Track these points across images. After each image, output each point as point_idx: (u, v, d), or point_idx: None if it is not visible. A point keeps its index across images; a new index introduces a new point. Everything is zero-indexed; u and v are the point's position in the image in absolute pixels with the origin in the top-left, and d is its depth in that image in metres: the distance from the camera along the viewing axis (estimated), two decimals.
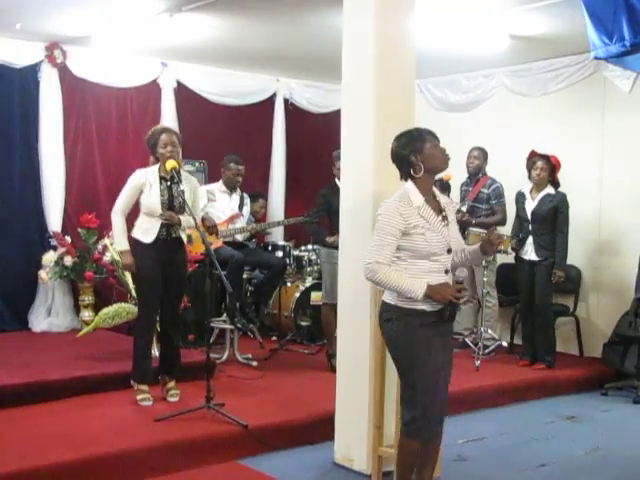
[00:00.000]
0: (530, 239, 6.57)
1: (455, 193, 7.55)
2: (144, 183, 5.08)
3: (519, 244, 6.62)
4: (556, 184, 6.55)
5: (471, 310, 7.42)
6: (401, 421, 3.60)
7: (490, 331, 7.06)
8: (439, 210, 3.50)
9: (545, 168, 6.48)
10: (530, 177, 6.60)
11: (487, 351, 6.84)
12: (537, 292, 6.56)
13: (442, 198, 3.60)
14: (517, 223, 6.81)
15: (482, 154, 7.24)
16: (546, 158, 6.49)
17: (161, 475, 4.21)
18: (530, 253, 6.56)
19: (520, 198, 6.69)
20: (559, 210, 6.47)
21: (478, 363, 6.45)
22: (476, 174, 7.24)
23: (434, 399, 3.46)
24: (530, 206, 6.58)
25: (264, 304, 7.33)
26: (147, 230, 5.08)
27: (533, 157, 6.57)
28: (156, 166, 5.17)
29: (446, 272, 3.45)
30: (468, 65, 7.77)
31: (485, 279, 6.85)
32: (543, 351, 6.58)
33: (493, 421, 5.57)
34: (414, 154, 3.48)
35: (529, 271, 6.59)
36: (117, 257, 6.28)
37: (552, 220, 6.50)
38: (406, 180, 3.54)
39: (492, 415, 5.72)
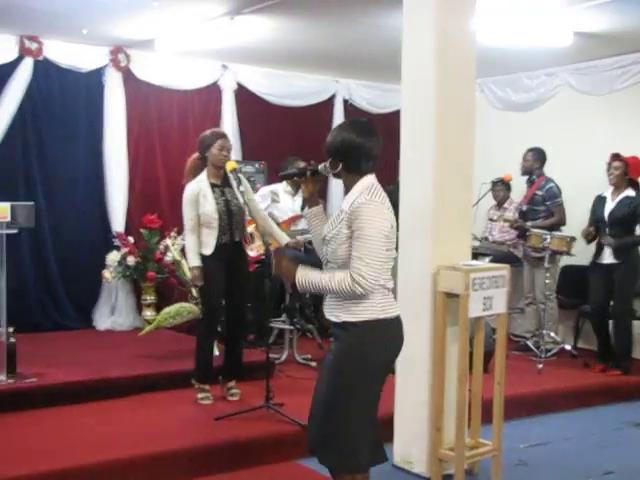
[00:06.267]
0: None
1: (517, 193, 7.47)
2: (198, 194, 5.02)
3: (597, 251, 6.41)
4: (636, 185, 6.34)
5: (533, 313, 7.30)
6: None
7: (552, 334, 6.93)
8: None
9: (619, 167, 6.29)
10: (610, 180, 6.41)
11: (549, 354, 6.71)
12: (616, 296, 6.34)
13: (345, 203, 3.13)
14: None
15: (534, 155, 7.12)
16: (620, 157, 6.30)
17: (220, 473, 4.24)
18: (608, 257, 6.34)
19: (600, 201, 6.47)
20: (638, 212, 6.24)
21: (540, 366, 6.34)
22: (528, 175, 7.15)
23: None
24: (608, 208, 6.37)
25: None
26: (205, 243, 5.05)
27: (611, 160, 6.38)
28: (203, 174, 5.10)
29: None
30: (530, 64, 7.63)
31: (547, 281, 6.71)
32: (619, 356, 6.38)
33: (556, 426, 5.45)
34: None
35: (606, 275, 6.36)
36: (178, 257, 6.38)
37: (630, 223, 6.32)
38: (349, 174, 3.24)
39: (555, 420, 5.60)
